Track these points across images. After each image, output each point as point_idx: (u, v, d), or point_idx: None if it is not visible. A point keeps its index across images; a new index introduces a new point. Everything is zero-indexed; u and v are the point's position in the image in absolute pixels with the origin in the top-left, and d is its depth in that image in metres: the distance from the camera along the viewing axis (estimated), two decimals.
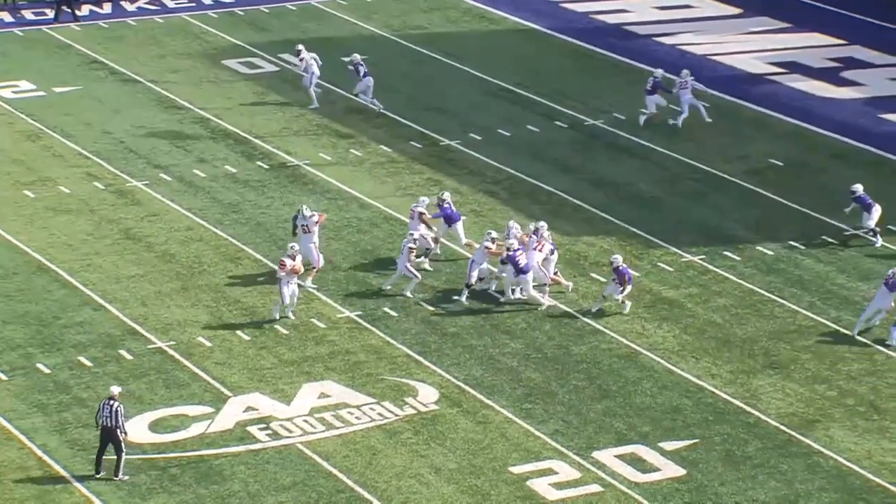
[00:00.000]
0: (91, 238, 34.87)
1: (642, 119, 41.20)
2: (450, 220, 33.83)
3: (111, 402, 26.10)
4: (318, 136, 41.01)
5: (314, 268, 32.41)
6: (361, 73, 42.38)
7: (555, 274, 32.32)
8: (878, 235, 34.87)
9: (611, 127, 41.63)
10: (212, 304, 31.62)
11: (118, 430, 25.98)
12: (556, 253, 32.50)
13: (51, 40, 47.68)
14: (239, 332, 30.82)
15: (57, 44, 47.45)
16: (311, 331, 31.02)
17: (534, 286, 31.79)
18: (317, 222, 32.68)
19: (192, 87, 43.98)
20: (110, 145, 39.99)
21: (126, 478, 26.01)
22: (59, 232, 34.88)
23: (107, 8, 50.58)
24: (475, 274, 31.79)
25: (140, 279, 32.85)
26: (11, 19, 49.38)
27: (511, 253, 31.56)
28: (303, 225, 32.68)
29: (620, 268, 31.46)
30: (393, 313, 31.56)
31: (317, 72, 42.73)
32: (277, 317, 30.92)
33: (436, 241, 33.53)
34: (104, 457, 26.15)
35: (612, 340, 30.92)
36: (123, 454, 26.09)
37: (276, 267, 32.02)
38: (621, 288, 31.38)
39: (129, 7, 50.77)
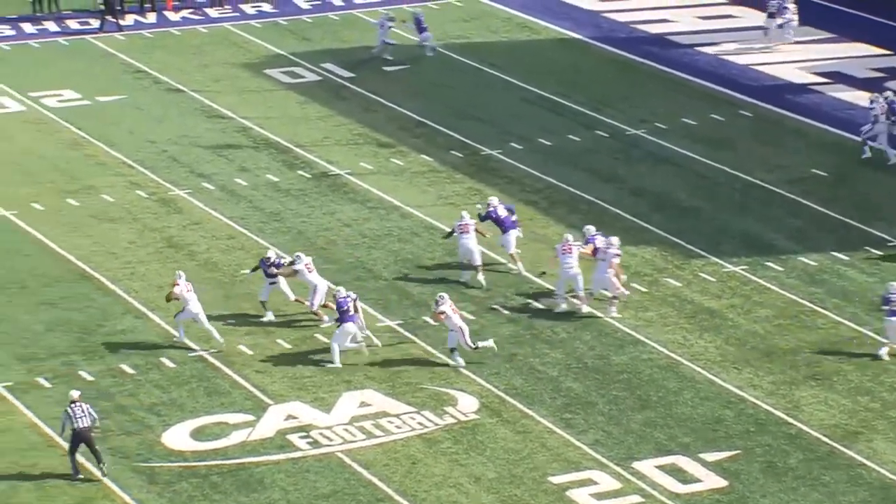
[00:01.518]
0: (133, 246, 34.94)
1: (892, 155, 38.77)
2: (502, 225, 33.46)
3: (80, 404, 26.16)
4: (360, 146, 40.99)
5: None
6: (421, 28, 45.32)
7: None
8: None
9: (651, 136, 41.44)
10: (253, 313, 31.60)
11: (92, 429, 26.09)
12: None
13: (95, 49, 47.85)
14: (280, 341, 30.78)
15: (101, 53, 47.61)
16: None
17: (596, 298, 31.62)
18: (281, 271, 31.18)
19: (235, 97, 44.04)
20: (153, 154, 40.09)
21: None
22: (102, 240, 34.98)
23: (151, 18, 50.79)
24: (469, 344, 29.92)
25: None
26: (56, 28, 49.59)
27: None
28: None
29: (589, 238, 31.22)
30: (433, 322, 31.48)
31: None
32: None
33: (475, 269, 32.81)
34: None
35: (652, 350, 30.73)
36: None
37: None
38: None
39: (173, 17, 50.92)
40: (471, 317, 31.89)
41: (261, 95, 44.33)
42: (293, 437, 27.61)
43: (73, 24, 49.86)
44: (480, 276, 33.04)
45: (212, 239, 35.27)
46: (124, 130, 41.30)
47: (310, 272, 31.17)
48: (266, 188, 38.04)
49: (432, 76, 45.71)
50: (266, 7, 52.15)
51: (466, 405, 28.68)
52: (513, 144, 40.80)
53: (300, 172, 39.23)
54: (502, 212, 33.61)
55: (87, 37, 48.79)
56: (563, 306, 31.82)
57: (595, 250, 31.71)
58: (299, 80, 45.70)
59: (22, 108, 43.07)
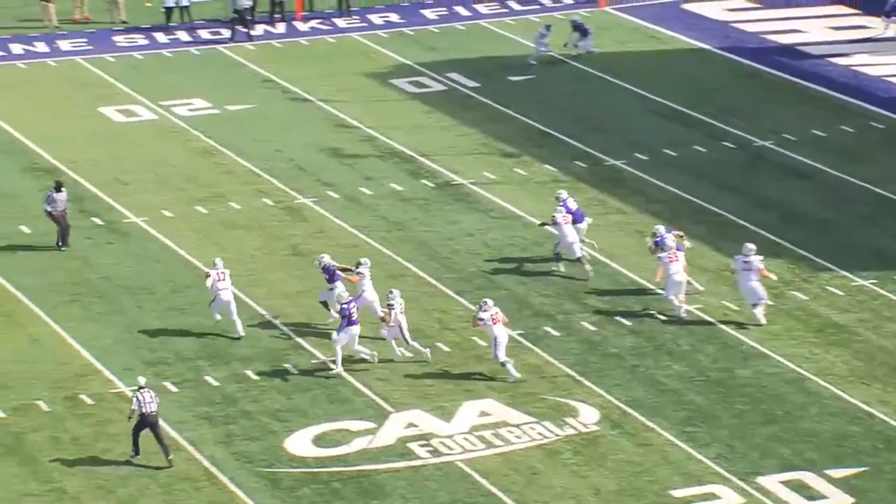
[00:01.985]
0: (259, 253, 35.23)
1: None
2: (574, 218, 34.15)
3: (148, 390, 26.97)
4: (484, 155, 40.96)
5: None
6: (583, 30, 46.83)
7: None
8: None
9: (780, 147, 40.91)
10: (374, 320, 31.71)
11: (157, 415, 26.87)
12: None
13: (225, 59, 48.38)
14: (402, 350, 30.86)
15: (231, 62, 48.13)
16: (472, 349, 30.92)
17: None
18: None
19: (361, 106, 44.26)
20: (280, 163, 40.37)
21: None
22: (230, 247, 35.29)
23: (280, 28, 51.15)
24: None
25: (305, 295, 33.02)
26: (188, 38, 50.20)
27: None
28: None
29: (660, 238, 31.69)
30: (555, 333, 31.33)
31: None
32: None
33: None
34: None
35: (777, 364, 30.29)
36: None
37: (437, 284, 32.11)
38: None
39: (302, 27, 51.28)
40: (592, 328, 31.69)
41: (386, 105, 44.50)
42: (413, 446, 27.64)
43: (204, 34, 50.45)
44: (587, 267, 33.19)
45: (336, 247, 35.41)
46: (252, 139, 41.65)
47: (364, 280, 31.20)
48: (390, 197, 38.15)
49: (558, 86, 45.56)
50: (393, 17, 52.40)
51: (587, 416, 28.50)
52: (638, 155, 40.51)
53: (424, 182, 39.30)
54: (572, 204, 34.53)
55: (219, 47, 49.32)
56: (684, 314, 31.88)
57: (656, 244, 32.34)
58: (425, 89, 45.80)
59: (153, 116, 43.69)
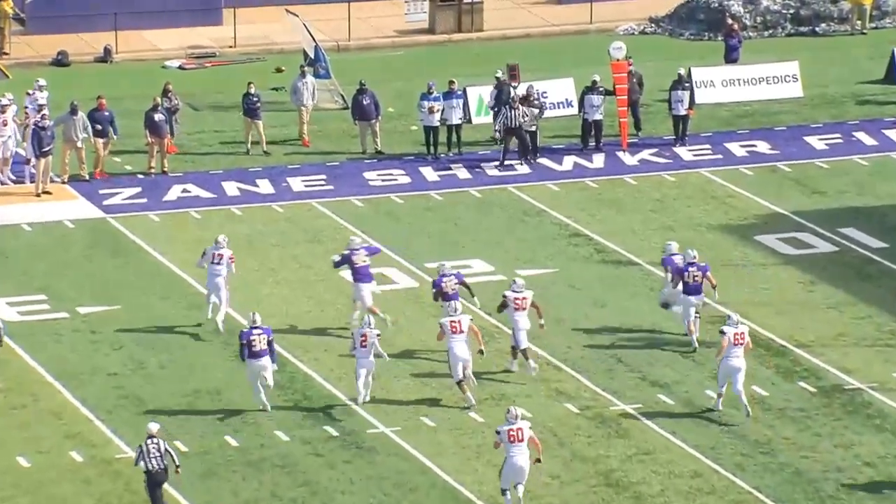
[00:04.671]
0: (557, 482, 35.53)
1: None
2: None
3: (156, 440, 33.10)
4: (888, 348, 40.64)
5: None
6: None
7: None
8: None
9: None
10: None
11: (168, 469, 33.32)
12: None
13: (516, 203, 49.33)
14: None
15: (524, 208, 48.98)
16: None
17: None
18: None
19: (713, 273, 44.13)
20: (591, 353, 40.78)
21: None
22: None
23: (597, 161, 52.04)
24: None
25: None
26: (467, 175, 51.30)
27: None
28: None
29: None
30: None
31: None
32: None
33: None
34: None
35: None
36: None
37: None
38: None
39: (629, 160, 52.05)
40: None
41: (747, 271, 44.67)
42: None
43: (490, 171, 51.31)
44: None
45: (668, 476, 35.66)
46: (551, 317, 41.64)
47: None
48: (752, 407, 38.07)
49: None
50: (761, 146, 52.57)
51: None
52: None
53: (801, 384, 39.23)
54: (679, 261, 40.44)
55: (509, 186, 50.34)
56: (720, 407, 36.94)
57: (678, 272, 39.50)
58: (806, 250, 45.81)
59: (413, 283, 44.53)
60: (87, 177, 50.63)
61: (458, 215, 48.76)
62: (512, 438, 34.10)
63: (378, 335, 38.29)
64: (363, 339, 37.99)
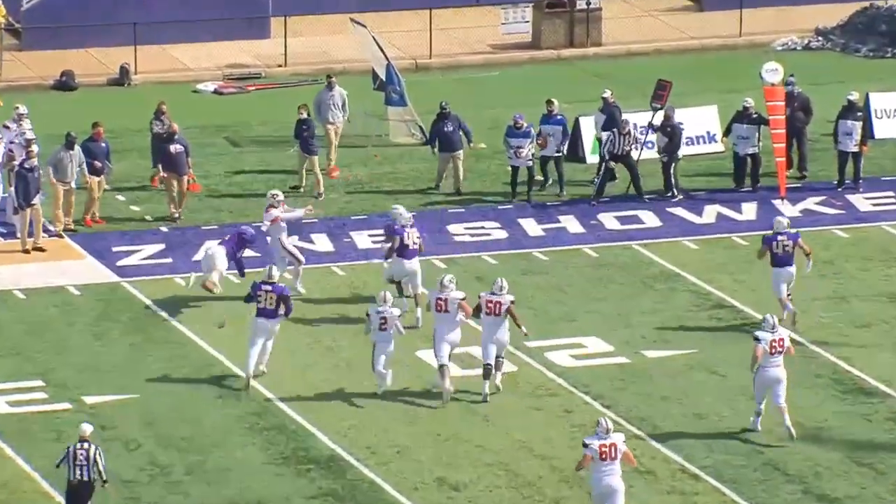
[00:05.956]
0: None
1: None
2: None
3: (88, 445, 34.79)
4: None
5: None
6: None
7: None
8: None
9: None
10: None
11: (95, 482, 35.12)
12: None
13: (642, 265, 49.31)
14: None
15: (652, 272, 48.89)
16: None
17: None
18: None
19: None
20: (740, 460, 40.01)
21: None
22: None
23: (748, 212, 52.09)
24: None
25: None
26: (579, 229, 51.32)
27: None
28: None
29: None
30: None
31: None
32: None
33: None
34: None
35: None
36: None
37: None
38: None
39: (789, 210, 51.65)
40: None
41: None
42: None
43: (610, 224, 50.23)
44: None
45: None
46: (691, 412, 41.67)
47: None
48: None
49: None
50: None
51: None
52: None
53: None
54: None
55: (634, 244, 50.19)
56: (759, 427, 40.19)
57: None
58: None
59: (512, 367, 43.43)
60: (73, 225, 50.57)
61: (567, 280, 48.38)
62: (604, 455, 35.92)
63: (399, 315, 41.82)
64: (383, 322, 41.39)
